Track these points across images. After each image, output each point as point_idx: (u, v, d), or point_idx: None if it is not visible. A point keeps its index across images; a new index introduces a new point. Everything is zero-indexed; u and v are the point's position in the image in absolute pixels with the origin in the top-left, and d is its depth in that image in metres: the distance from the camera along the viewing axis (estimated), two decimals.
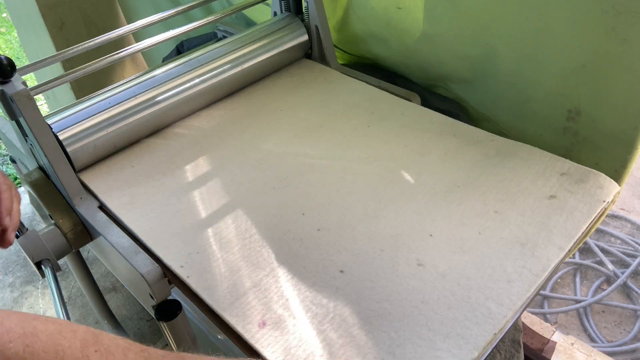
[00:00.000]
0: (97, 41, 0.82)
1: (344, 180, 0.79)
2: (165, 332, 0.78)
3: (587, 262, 1.59)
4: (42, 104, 2.42)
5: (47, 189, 0.82)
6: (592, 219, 0.70)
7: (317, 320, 0.60)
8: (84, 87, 1.58)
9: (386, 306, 0.61)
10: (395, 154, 0.83)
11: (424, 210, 0.73)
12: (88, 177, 0.84)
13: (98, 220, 0.76)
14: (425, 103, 1.04)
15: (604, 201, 0.72)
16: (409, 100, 0.99)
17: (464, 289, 0.62)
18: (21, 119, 0.73)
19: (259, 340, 0.58)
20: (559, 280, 1.57)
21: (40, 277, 0.83)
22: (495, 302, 0.60)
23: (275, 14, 1.11)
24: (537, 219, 0.71)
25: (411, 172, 0.80)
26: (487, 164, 0.81)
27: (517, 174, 0.78)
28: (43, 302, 1.54)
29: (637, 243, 1.63)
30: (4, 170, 2.12)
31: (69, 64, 1.40)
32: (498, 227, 0.70)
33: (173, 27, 0.90)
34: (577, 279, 1.55)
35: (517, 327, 1.01)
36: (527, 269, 0.64)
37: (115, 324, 1.21)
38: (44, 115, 0.75)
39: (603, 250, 1.63)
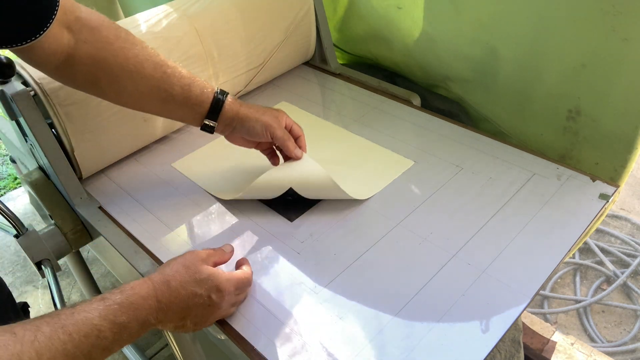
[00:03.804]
0: None
1: None
2: (166, 332, 0.78)
3: (587, 262, 1.59)
4: None
5: (47, 189, 0.82)
6: (591, 219, 0.70)
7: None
8: None
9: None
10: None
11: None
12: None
13: (98, 220, 0.76)
14: (425, 103, 1.04)
15: (603, 201, 0.72)
16: (409, 100, 0.99)
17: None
18: (21, 119, 0.73)
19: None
20: (559, 280, 1.57)
21: (40, 277, 0.83)
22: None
23: None
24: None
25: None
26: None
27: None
28: (43, 302, 1.54)
29: (637, 243, 1.63)
30: (4, 170, 2.12)
31: None
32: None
33: None
34: (577, 279, 1.55)
35: (517, 327, 1.01)
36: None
37: None
38: None
39: (603, 250, 1.62)
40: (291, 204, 0.75)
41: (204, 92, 0.70)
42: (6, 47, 0.53)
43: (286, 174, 0.73)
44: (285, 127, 0.73)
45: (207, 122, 0.71)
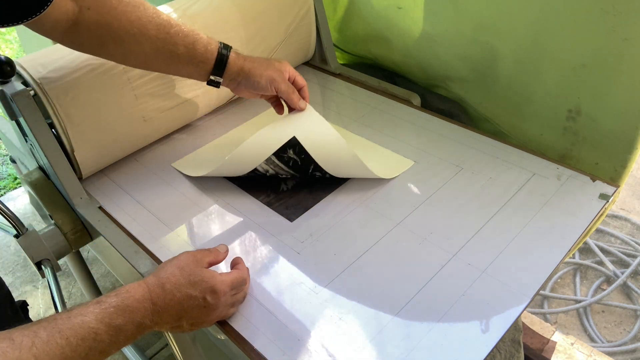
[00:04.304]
0: None
1: None
2: (165, 332, 0.78)
3: (587, 262, 1.59)
4: None
5: (47, 189, 0.82)
6: (591, 219, 0.70)
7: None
8: None
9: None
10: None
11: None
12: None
13: (98, 220, 0.76)
14: (425, 103, 1.04)
15: (603, 201, 0.72)
16: (409, 100, 0.99)
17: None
18: (21, 119, 0.73)
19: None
20: (559, 280, 1.57)
21: (40, 277, 0.83)
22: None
23: None
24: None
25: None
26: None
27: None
28: (43, 302, 1.54)
29: (637, 243, 1.63)
30: (4, 170, 2.12)
31: None
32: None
33: None
34: (577, 279, 1.55)
35: (517, 327, 1.01)
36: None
37: None
38: None
39: (603, 250, 1.62)
40: (291, 204, 0.75)
41: (208, 49, 0.71)
42: (16, 24, 0.54)
43: (290, 124, 0.75)
44: (289, 79, 0.76)
45: (212, 78, 0.73)
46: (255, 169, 0.76)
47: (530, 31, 0.81)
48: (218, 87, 0.75)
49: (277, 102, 0.81)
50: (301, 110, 0.77)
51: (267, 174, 0.77)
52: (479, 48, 0.91)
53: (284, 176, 0.78)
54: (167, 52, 0.69)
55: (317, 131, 0.75)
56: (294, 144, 0.73)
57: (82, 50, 0.71)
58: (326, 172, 0.76)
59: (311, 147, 0.74)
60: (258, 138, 0.74)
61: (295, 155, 0.74)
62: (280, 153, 0.74)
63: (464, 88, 1.00)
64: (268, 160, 0.74)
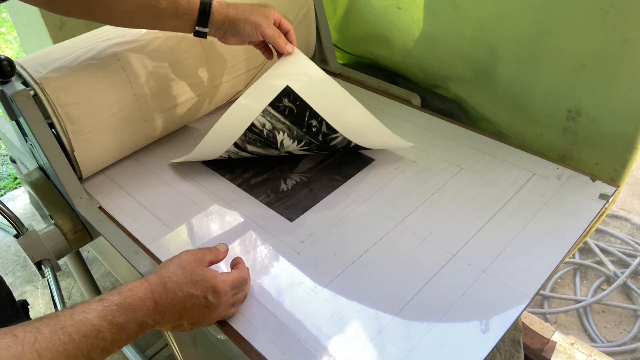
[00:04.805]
0: None
1: None
2: (165, 332, 0.78)
3: (587, 262, 1.59)
4: None
5: (47, 189, 0.82)
6: (591, 219, 0.70)
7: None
8: None
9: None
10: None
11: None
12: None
13: (98, 220, 0.76)
14: (425, 103, 1.04)
15: (603, 201, 0.72)
16: (409, 100, 0.99)
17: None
18: (21, 119, 0.73)
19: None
20: (559, 280, 1.57)
21: (40, 277, 0.83)
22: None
23: None
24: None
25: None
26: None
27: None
28: (43, 302, 1.54)
29: (637, 243, 1.63)
30: (4, 170, 2.12)
31: None
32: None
33: None
34: (577, 279, 1.55)
35: (517, 327, 1.01)
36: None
37: None
38: None
39: (603, 250, 1.62)
40: (291, 204, 0.75)
41: (190, 0, 0.72)
42: None
43: (281, 73, 0.76)
44: (274, 23, 0.76)
45: (198, 29, 0.74)
46: (252, 125, 0.76)
47: (530, 31, 0.81)
48: (205, 37, 0.75)
49: (265, 48, 0.82)
50: (289, 54, 0.77)
51: (264, 131, 0.77)
52: (479, 48, 0.91)
53: (281, 136, 0.77)
54: (150, 8, 0.70)
55: (307, 75, 0.76)
56: (287, 92, 0.75)
57: (69, 15, 0.71)
58: (322, 119, 0.76)
59: (304, 92, 0.75)
60: (252, 91, 0.75)
61: (290, 103, 0.75)
62: (276, 103, 0.75)
63: (464, 88, 1.00)
64: (265, 112, 0.75)
